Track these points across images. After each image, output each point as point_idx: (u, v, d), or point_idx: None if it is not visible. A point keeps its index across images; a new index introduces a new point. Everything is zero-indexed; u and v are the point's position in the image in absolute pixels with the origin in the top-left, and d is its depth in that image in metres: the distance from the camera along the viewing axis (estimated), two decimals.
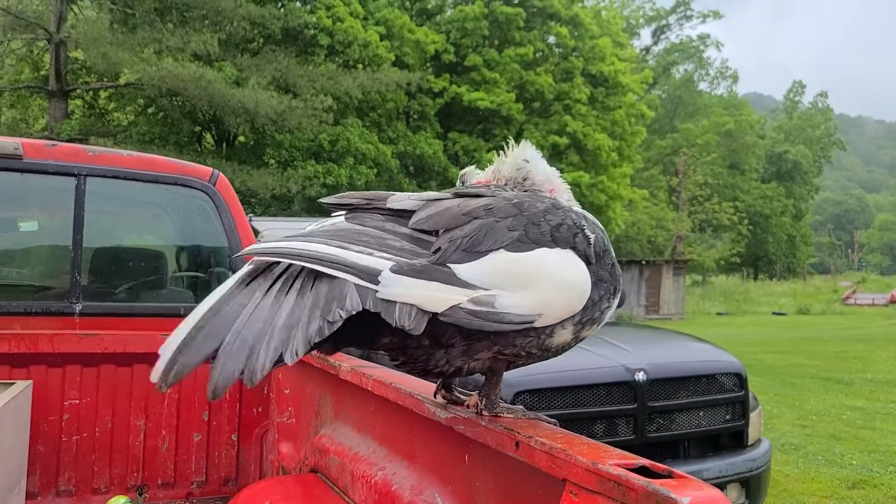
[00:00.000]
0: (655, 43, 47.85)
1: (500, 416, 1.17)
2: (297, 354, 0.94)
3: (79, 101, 22.37)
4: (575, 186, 24.13)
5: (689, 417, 3.65)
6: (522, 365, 1.22)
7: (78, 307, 2.68)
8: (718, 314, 29.22)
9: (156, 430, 2.69)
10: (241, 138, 22.91)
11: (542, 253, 1.13)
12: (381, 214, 1.18)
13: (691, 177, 39.62)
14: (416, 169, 25.35)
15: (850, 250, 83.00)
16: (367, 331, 1.13)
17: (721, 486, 3.53)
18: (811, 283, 44.28)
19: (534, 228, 1.15)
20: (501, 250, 1.11)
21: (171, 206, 3.09)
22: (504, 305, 1.08)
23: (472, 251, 1.11)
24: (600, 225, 1.30)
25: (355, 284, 1.04)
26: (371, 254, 1.08)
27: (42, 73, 20.56)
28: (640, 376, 3.47)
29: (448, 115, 26.77)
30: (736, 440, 3.83)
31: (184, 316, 1.02)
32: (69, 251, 2.70)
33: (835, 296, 35.83)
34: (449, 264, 1.09)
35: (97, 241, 2.91)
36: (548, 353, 1.20)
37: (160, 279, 3.03)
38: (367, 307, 1.03)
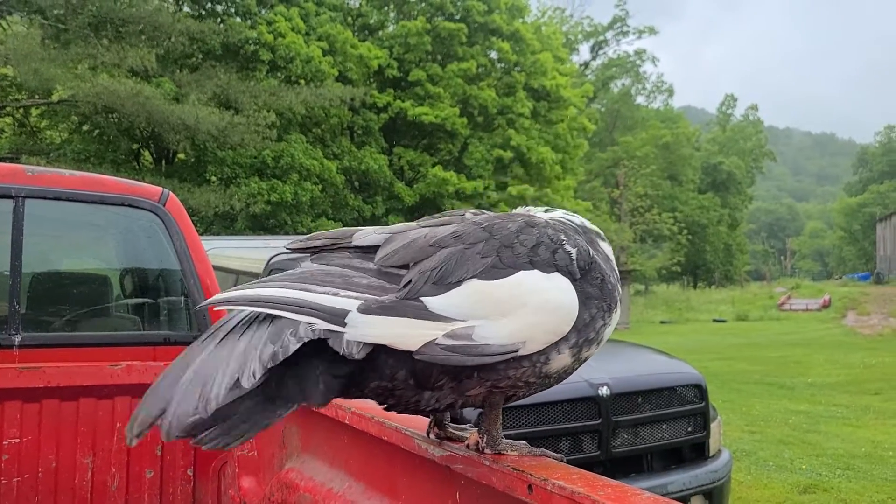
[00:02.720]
0: (594, 58, 48.86)
1: (503, 454, 1.10)
2: (254, 376, 0.94)
3: (9, 119, 21.52)
4: (520, 200, 24.35)
5: (653, 431, 3.63)
6: (524, 396, 1.16)
7: (17, 338, 2.51)
8: (662, 322, 29.79)
9: (104, 468, 2.52)
10: (182, 155, 22.38)
11: (519, 277, 1.07)
12: (349, 252, 1.14)
13: (632, 188, 40.39)
14: (361, 184, 25.22)
15: (782, 257, 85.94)
16: (351, 378, 1.08)
17: (685, 499, 3.52)
18: (748, 289, 45.52)
19: (507, 251, 1.09)
20: (474, 279, 1.06)
21: (118, 229, 2.93)
22: (483, 336, 1.03)
23: (444, 283, 1.05)
24: (606, 237, 1.26)
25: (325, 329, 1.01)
26: (336, 294, 1.03)
27: None
28: (604, 391, 3.44)
29: (393, 130, 26.75)
30: (697, 452, 3.84)
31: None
32: (7, 278, 2.53)
33: (771, 302, 36.89)
34: (421, 298, 1.04)
35: (38, 266, 2.74)
36: (548, 379, 1.14)
37: (107, 307, 2.86)
38: (340, 352, 1.01)
